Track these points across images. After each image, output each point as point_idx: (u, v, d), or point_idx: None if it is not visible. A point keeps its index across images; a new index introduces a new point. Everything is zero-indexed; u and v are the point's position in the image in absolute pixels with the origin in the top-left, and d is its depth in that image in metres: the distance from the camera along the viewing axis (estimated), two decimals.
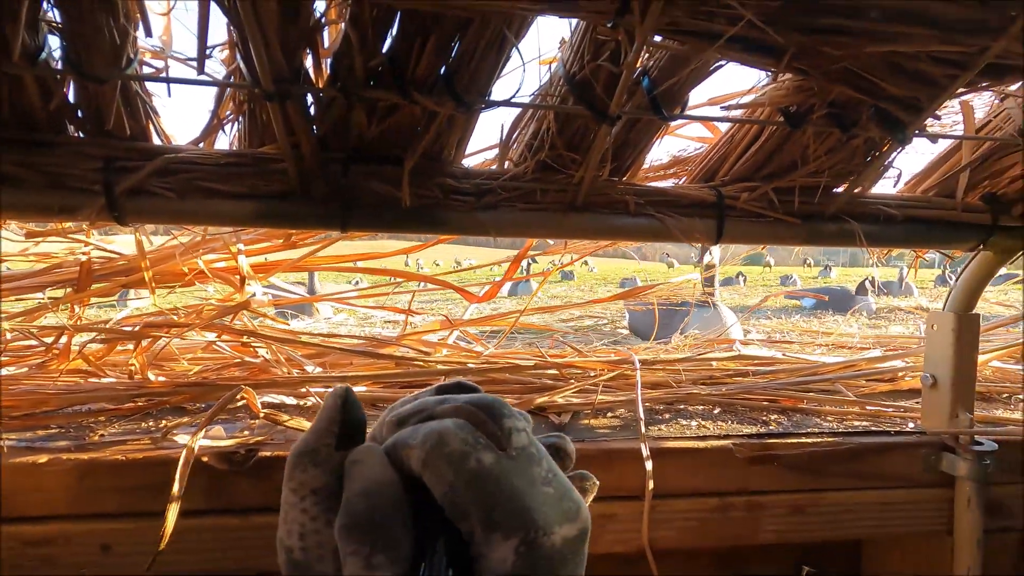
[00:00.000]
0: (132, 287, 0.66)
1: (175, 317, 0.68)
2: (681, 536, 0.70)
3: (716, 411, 0.83)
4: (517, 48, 0.44)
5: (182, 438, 0.61)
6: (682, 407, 0.84)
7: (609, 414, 0.81)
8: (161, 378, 0.66)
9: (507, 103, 0.48)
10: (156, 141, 0.52)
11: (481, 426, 0.32)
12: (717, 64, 0.47)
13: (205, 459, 0.60)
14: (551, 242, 0.65)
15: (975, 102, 0.58)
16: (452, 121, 0.50)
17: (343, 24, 0.45)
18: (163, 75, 0.45)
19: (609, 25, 0.41)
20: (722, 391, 0.81)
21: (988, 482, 0.73)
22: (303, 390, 0.70)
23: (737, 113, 0.54)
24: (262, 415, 0.61)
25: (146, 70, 0.48)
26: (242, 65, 0.44)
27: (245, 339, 0.70)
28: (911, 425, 0.80)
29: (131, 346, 0.73)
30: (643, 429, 0.67)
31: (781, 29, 0.41)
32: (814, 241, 0.63)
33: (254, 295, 0.68)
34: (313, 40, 0.44)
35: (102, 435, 0.65)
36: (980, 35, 0.42)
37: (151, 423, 0.68)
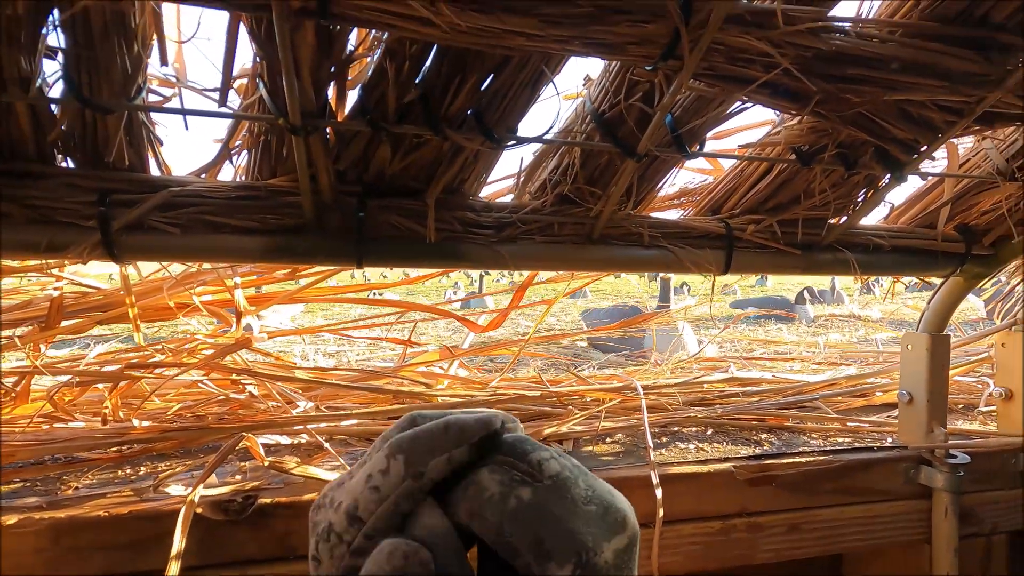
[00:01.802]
0: (110, 323, 0.60)
1: (160, 355, 0.63)
2: (687, 561, 0.70)
3: (709, 432, 0.84)
4: (554, 85, 0.44)
5: (173, 489, 0.56)
6: (676, 429, 0.85)
7: (609, 439, 0.81)
8: (145, 422, 0.61)
9: (538, 139, 0.47)
10: (154, 172, 0.49)
11: (512, 467, 0.33)
12: (741, 107, 0.49)
13: (199, 510, 0.56)
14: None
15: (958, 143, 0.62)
16: (478, 156, 0.49)
17: (372, 57, 0.43)
18: (175, 105, 0.42)
19: (649, 68, 0.41)
20: (717, 412, 0.83)
21: (962, 492, 0.78)
22: (297, 428, 0.66)
23: (751, 151, 0.56)
24: (266, 463, 0.57)
25: (152, 98, 0.44)
26: (266, 97, 0.41)
27: (235, 377, 0.66)
28: (889, 440, 0.84)
29: (102, 387, 0.67)
30: (652, 456, 0.68)
31: (810, 76, 0.43)
32: (812, 271, 0.65)
33: (251, 330, 0.64)
34: (343, 73, 0.43)
35: (76, 488, 0.59)
36: (981, 87, 0.46)
37: (129, 471, 0.63)
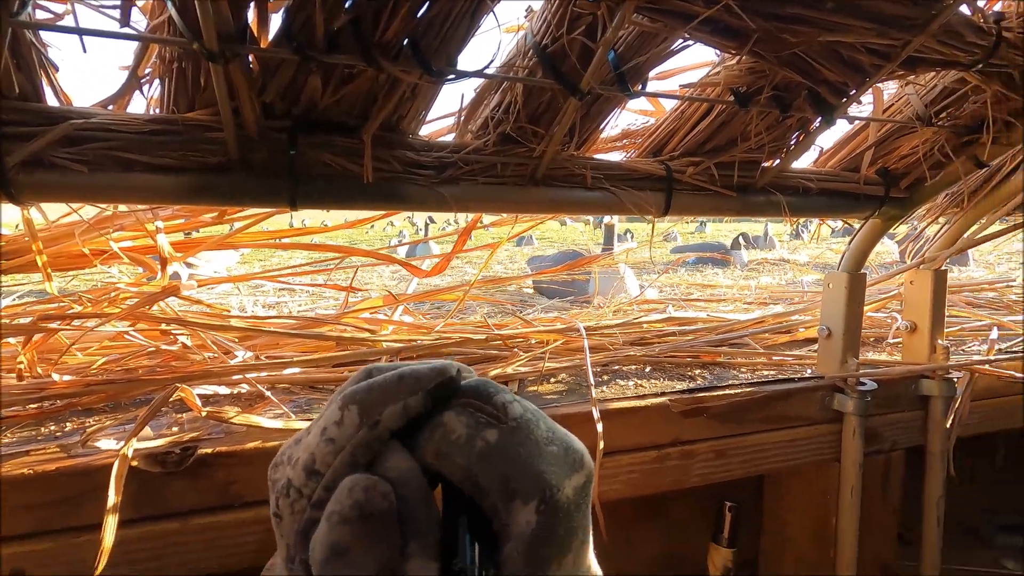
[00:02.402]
0: (15, 272, 0.55)
1: (78, 306, 0.59)
2: (625, 488, 0.75)
3: (648, 369, 0.88)
4: (495, 15, 0.42)
5: (104, 443, 0.54)
6: (617, 368, 0.89)
7: (553, 380, 0.83)
8: (66, 376, 0.58)
9: (479, 74, 0.46)
10: (52, 102, 0.44)
11: (478, 409, 0.33)
12: (683, 44, 0.48)
13: (135, 463, 0.54)
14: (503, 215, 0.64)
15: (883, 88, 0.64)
16: (416, 90, 0.47)
17: None
18: (69, 24, 0.37)
19: (592, 0, 0.40)
20: (655, 351, 0.86)
21: (868, 415, 0.86)
22: (236, 378, 0.64)
23: (691, 91, 0.56)
24: (204, 413, 0.55)
25: (40, 16, 0.39)
26: (176, 17, 0.37)
27: (165, 326, 0.62)
28: (808, 371, 0.91)
29: (14, 342, 0.62)
30: (593, 393, 0.70)
31: (749, 14, 0.43)
32: (746, 212, 0.68)
33: (179, 279, 0.60)
34: None
35: None
36: (907, 30, 0.47)
37: (53, 428, 0.59)
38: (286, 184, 0.49)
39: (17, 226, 0.70)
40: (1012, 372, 0.95)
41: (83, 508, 0.53)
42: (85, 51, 0.37)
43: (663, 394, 0.78)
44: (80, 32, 0.37)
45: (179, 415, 0.65)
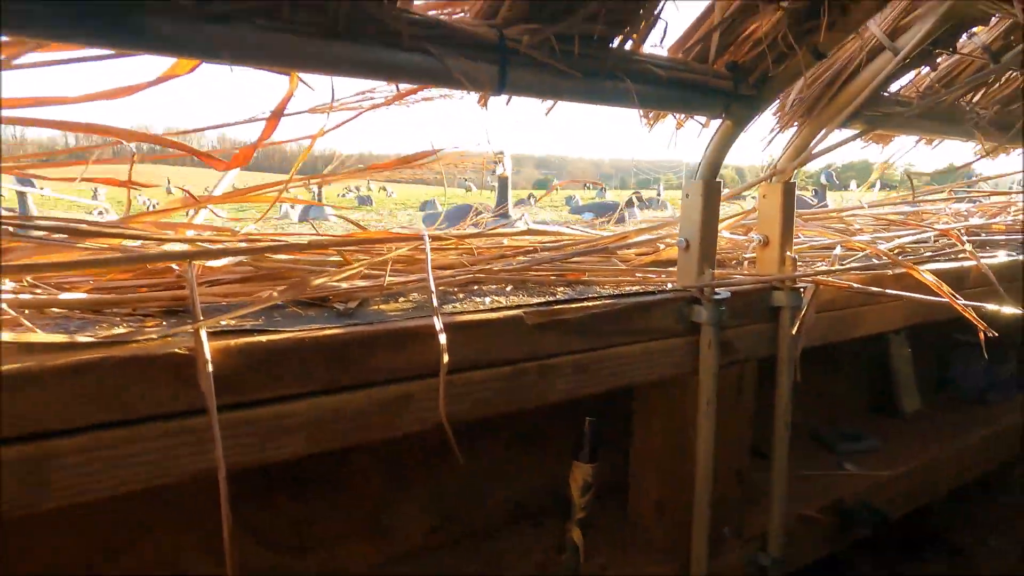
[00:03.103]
0: None
1: None
2: (477, 406, 0.70)
3: (508, 288, 0.83)
4: None
5: None
6: (476, 287, 0.83)
7: (401, 299, 0.75)
8: None
9: None
10: None
11: None
12: None
13: None
14: (369, 153, 0.54)
15: None
16: None
17: None
18: None
19: None
20: (513, 267, 0.81)
21: (723, 326, 0.87)
22: None
23: None
24: None
25: None
26: None
27: None
28: (669, 285, 0.90)
29: None
30: (435, 303, 0.63)
31: None
32: (593, 98, 0.62)
33: None
34: None
35: None
36: None
37: None
38: None
39: None
40: (851, 283, 1.00)
41: None
42: None
43: (518, 307, 0.73)
44: None
45: None
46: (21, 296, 0.58)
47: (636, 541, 1.01)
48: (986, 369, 1.66)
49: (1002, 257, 1.39)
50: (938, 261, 1.23)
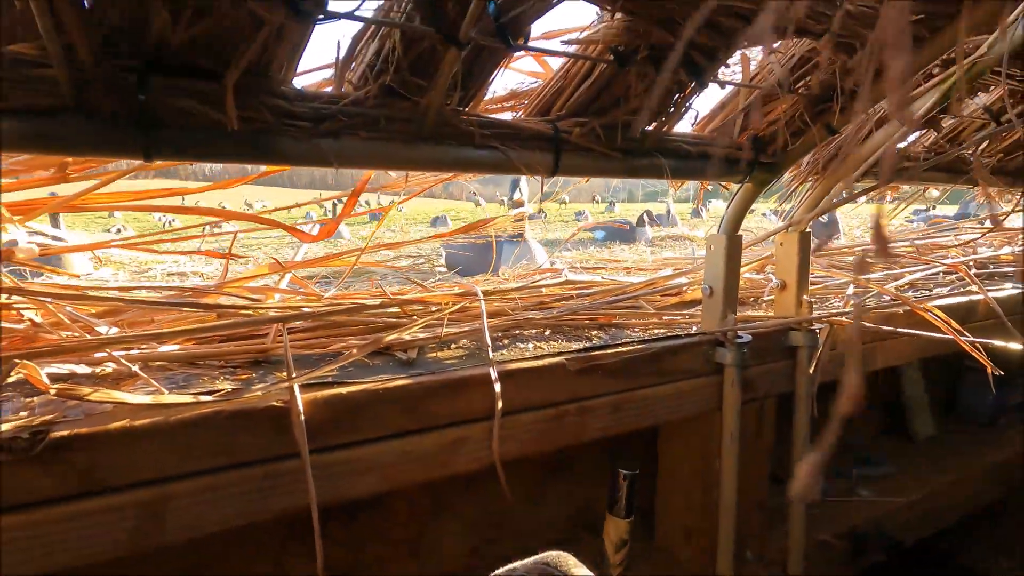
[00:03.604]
0: None
1: None
2: (525, 446, 0.77)
3: (547, 333, 0.91)
4: None
5: None
6: (517, 332, 0.91)
7: (453, 345, 0.83)
8: None
9: (352, 16, 0.43)
10: None
11: None
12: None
13: None
14: (393, 175, 0.62)
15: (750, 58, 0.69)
16: (283, 32, 0.44)
17: None
18: None
19: None
20: (552, 315, 0.89)
21: (745, 366, 0.94)
22: (100, 355, 0.58)
23: (573, 48, 0.57)
24: (53, 391, 0.50)
25: None
26: None
27: (6, 298, 0.54)
28: (694, 328, 0.97)
29: None
30: (491, 355, 0.71)
31: None
32: (632, 174, 0.70)
33: (16, 243, 0.53)
34: None
35: None
36: None
37: None
38: (137, 133, 0.44)
39: None
40: (866, 324, 1.07)
41: None
42: None
43: (560, 354, 0.81)
44: None
45: (30, 399, 0.58)
46: (131, 352, 0.66)
47: (665, 563, 1.07)
48: (997, 393, 1.71)
49: (1009, 290, 1.44)
50: (947, 296, 1.30)
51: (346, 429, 0.65)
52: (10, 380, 0.53)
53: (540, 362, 0.78)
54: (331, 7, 0.44)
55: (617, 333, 0.94)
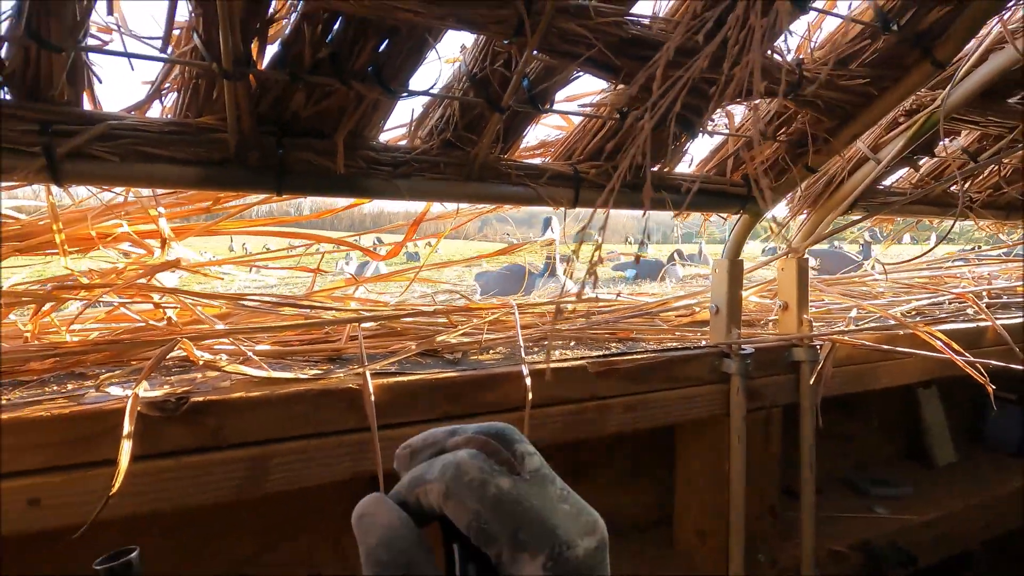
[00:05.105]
0: (29, 254, 0.64)
1: (86, 279, 0.68)
2: (552, 434, 0.90)
3: (572, 344, 1.05)
4: (436, 51, 0.58)
5: (115, 390, 0.64)
6: (545, 342, 1.05)
7: (491, 351, 0.98)
8: (74, 338, 0.67)
9: (426, 93, 0.61)
10: (86, 107, 0.56)
11: (494, 454, 0.33)
12: (576, 75, 0.66)
13: (139, 409, 0.64)
14: (448, 207, 0.79)
15: (736, 111, 0.85)
16: (377, 105, 0.62)
17: (288, 19, 0.54)
18: (116, 49, 0.50)
19: (506, 42, 0.57)
20: (576, 327, 1.03)
21: (749, 376, 1.06)
22: (220, 345, 0.76)
23: (589, 109, 0.73)
24: (201, 362, 0.67)
25: (90, 42, 0.52)
26: (200, 46, 0.51)
27: (164, 298, 0.73)
28: (703, 342, 1.10)
29: (14, 318, 0.71)
30: (523, 355, 0.86)
31: (618, 55, 0.60)
32: (639, 206, 0.86)
33: (179, 257, 0.71)
34: (265, 31, 0.53)
35: (9, 400, 0.65)
36: (733, 66, 0.66)
37: (64, 383, 0.69)
38: (273, 176, 0.62)
39: (30, 212, 0.79)
40: (863, 342, 1.17)
41: (94, 445, 0.63)
42: (133, 69, 0.50)
43: (582, 359, 0.95)
44: (129, 56, 0.50)
45: (169, 378, 0.76)
46: (227, 348, 0.84)
47: (684, 565, 1.16)
48: (1022, 422, 1.73)
49: (1020, 318, 1.51)
50: (953, 322, 1.38)
51: (404, 410, 0.80)
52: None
53: (564, 364, 0.92)
54: (412, 86, 0.62)
55: (634, 345, 1.07)
